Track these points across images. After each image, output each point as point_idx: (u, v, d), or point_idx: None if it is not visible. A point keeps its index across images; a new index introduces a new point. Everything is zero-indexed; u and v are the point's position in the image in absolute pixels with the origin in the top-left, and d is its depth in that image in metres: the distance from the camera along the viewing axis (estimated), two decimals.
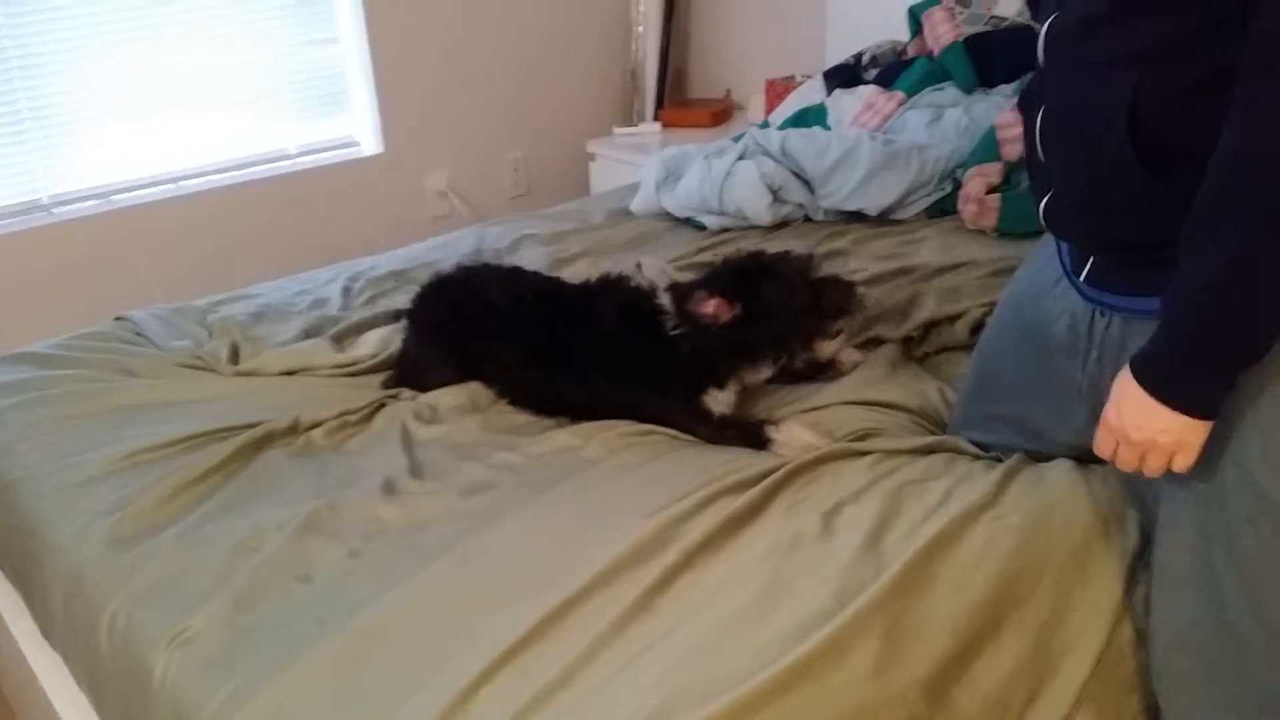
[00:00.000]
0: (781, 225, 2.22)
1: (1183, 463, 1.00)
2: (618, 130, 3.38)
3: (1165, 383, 0.99)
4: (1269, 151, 0.88)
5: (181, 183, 2.88)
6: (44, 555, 1.33)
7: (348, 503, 1.30)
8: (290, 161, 3.04)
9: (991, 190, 2.07)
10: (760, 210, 2.17)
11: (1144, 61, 0.97)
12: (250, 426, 1.47)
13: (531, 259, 2.08)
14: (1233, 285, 0.92)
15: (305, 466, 1.41)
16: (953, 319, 1.67)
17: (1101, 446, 1.07)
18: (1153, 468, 1.02)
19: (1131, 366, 1.01)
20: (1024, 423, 1.29)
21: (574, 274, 1.87)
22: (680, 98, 3.58)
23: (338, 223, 3.09)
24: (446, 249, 2.24)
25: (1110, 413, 1.04)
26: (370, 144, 3.15)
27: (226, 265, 2.86)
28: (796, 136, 2.31)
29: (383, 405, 1.56)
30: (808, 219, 2.23)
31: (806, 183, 2.22)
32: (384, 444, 1.45)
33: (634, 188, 2.48)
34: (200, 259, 2.87)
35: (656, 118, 3.40)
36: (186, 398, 1.62)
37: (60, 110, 2.65)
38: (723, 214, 2.21)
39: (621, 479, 1.29)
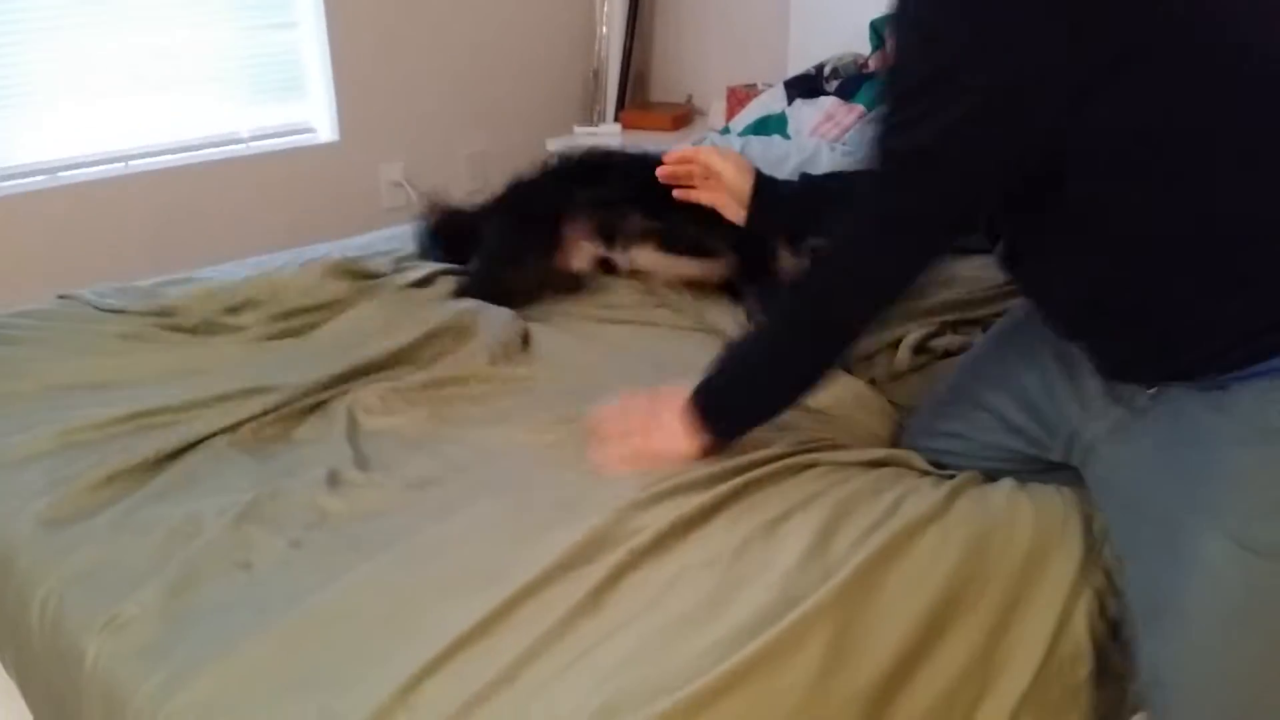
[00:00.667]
0: None
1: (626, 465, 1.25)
2: (578, 129, 3.37)
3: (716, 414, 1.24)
4: None
5: (131, 162, 2.83)
6: None
7: (290, 492, 1.27)
8: (243, 145, 3.00)
9: None
10: None
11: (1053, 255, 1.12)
12: (192, 406, 1.44)
13: None
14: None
15: (247, 454, 1.38)
16: (894, 345, 1.62)
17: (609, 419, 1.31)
18: (613, 458, 1.26)
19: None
20: (1019, 397, 1.30)
21: None
22: (641, 100, 3.58)
23: (290, 209, 3.05)
24: (402, 239, 2.21)
25: (644, 403, 1.28)
26: (326, 131, 3.12)
27: (175, 247, 2.82)
28: (756, 144, 2.32)
29: (327, 401, 1.53)
30: None
31: None
32: (329, 434, 1.43)
33: None
34: (148, 240, 2.82)
35: (617, 119, 3.40)
36: (126, 376, 1.58)
37: (11, 85, 2.59)
38: None
39: (571, 476, 1.28)
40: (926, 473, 1.31)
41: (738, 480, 1.22)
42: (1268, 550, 1.00)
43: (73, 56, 2.66)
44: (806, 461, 1.30)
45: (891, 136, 1.04)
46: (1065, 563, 1.16)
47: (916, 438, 1.39)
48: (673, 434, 1.25)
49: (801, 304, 1.18)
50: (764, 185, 1.51)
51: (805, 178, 1.62)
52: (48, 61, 2.63)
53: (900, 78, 1.04)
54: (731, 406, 1.26)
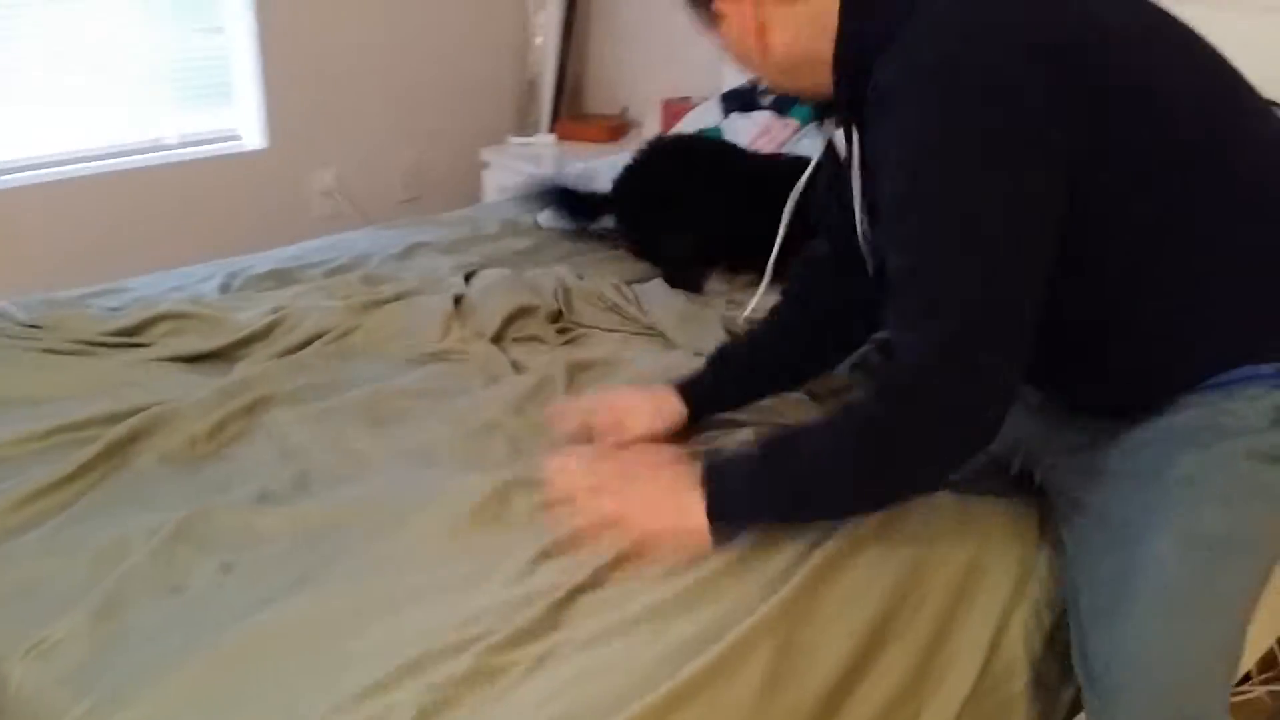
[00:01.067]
0: None
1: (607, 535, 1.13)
2: (513, 140, 3.35)
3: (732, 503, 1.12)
4: None
5: (54, 169, 2.75)
6: None
7: (222, 511, 1.24)
8: (171, 152, 2.93)
9: None
10: None
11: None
12: (118, 418, 1.40)
13: (430, 268, 2.04)
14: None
15: (177, 471, 1.35)
16: None
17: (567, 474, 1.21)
18: (590, 525, 1.14)
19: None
20: None
21: (484, 285, 1.88)
22: (576, 112, 3.57)
23: (218, 218, 2.99)
24: (335, 249, 2.18)
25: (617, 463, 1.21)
26: (254, 138, 3.06)
27: (100, 257, 2.74)
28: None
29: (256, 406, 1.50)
30: None
31: None
32: (264, 450, 1.40)
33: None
34: (73, 250, 2.74)
35: (552, 130, 3.39)
36: (50, 392, 1.53)
37: None
38: None
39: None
40: None
41: None
42: (1210, 540, 1.05)
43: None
44: None
45: (952, 290, 1.00)
46: (1002, 576, 1.19)
47: None
48: (682, 510, 1.13)
49: (883, 466, 1.08)
50: (699, 401, 1.38)
51: (720, 362, 1.43)
52: None
53: (931, 215, 1.01)
54: (757, 503, 1.14)
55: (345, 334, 1.72)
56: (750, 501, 1.13)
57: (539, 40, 3.40)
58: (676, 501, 1.13)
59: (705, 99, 2.86)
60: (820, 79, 1.12)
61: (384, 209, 3.25)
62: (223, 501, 1.26)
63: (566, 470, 1.24)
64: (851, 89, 1.07)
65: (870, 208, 1.16)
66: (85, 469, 1.31)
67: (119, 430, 1.38)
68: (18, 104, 2.66)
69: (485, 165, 3.27)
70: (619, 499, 1.16)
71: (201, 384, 1.55)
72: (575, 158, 2.99)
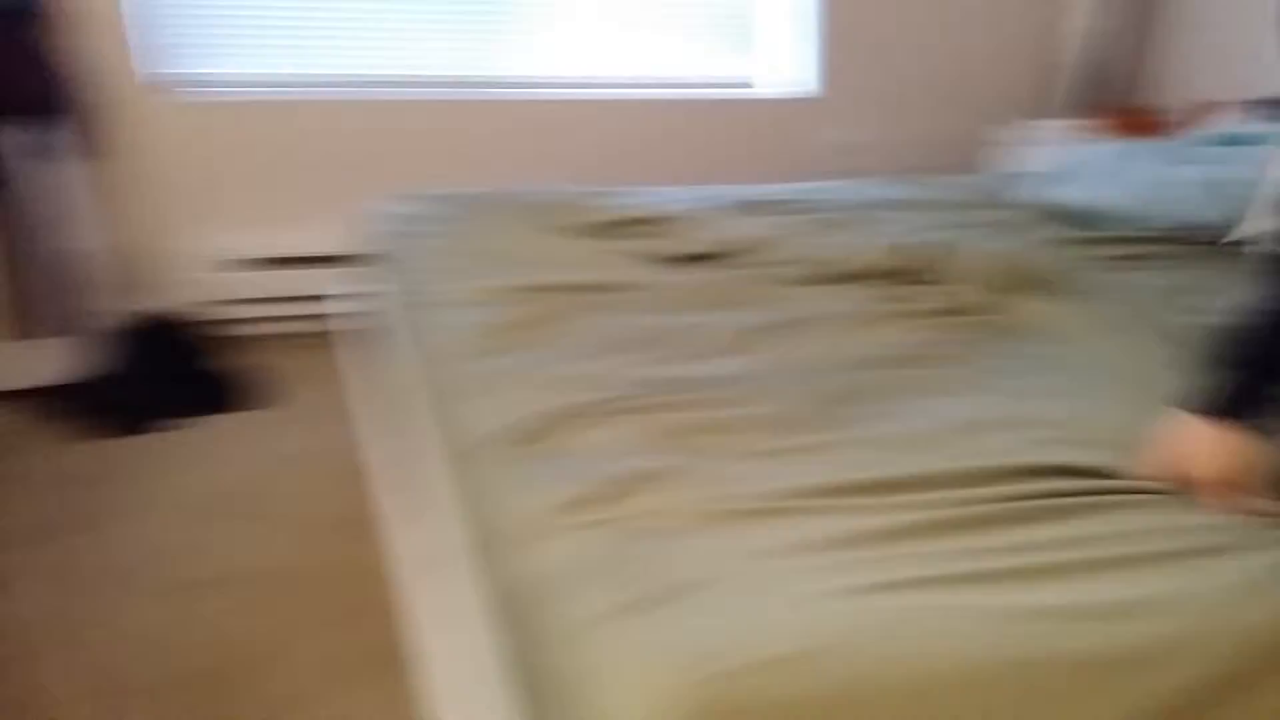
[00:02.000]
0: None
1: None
2: (1036, 123, 3.26)
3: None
4: None
5: (607, 89, 3.14)
6: None
7: None
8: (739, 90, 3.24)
9: None
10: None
11: None
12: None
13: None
14: None
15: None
16: None
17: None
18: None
19: None
20: None
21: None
22: (1120, 101, 3.39)
23: (737, 154, 3.24)
24: (820, 192, 2.30)
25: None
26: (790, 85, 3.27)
27: (632, 172, 3.11)
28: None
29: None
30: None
31: None
32: None
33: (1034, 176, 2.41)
34: (609, 160, 3.12)
35: (1079, 116, 3.25)
36: (533, 255, 1.82)
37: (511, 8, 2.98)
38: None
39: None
40: None
41: None
42: None
43: None
44: None
45: None
46: None
47: None
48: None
49: None
50: None
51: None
52: None
53: None
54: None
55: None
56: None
57: (1078, 24, 3.26)
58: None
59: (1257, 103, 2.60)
60: None
61: (895, 170, 3.33)
62: None
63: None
64: None
65: None
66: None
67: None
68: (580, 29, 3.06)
69: (995, 144, 3.21)
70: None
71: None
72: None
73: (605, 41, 3.11)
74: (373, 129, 2.89)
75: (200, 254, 2.76)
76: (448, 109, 2.94)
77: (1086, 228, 2.11)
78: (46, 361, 2.49)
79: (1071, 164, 2.32)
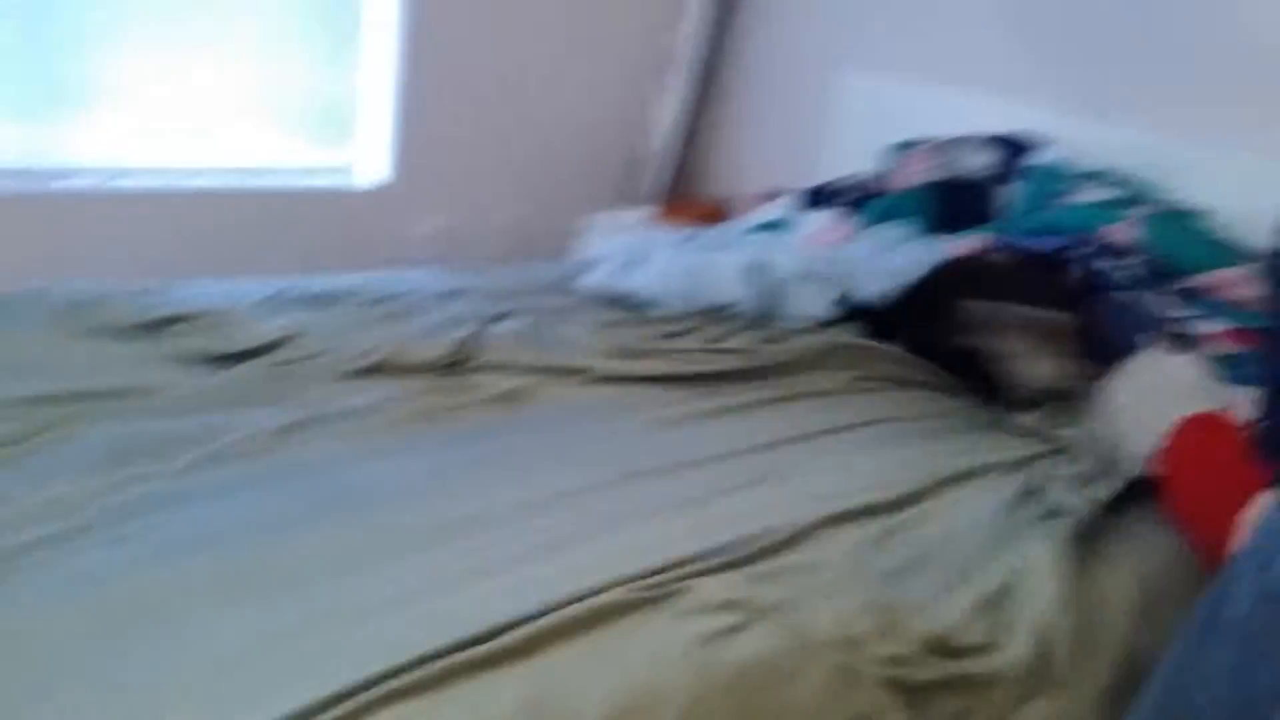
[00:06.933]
0: None
1: None
2: (615, 214, 3.44)
3: None
4: None
5: (173, 178, 3.00)
6: None
7: None
8: (283, 179, 3.16)
9: None
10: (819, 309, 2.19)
11: None
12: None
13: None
14: None
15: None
16: None
17: None
18: None
19: None
20: None
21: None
22: (681, 193, 3.66)
23: (319, 248, 3.17)
24: (393, 284, 2.29)
25: None
26: (368, 176, 3.26)
27: (198, 269, 2.96)
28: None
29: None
30: None
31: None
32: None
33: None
34: (180, 258, 2.96)
35: (656, 206, 3.47)
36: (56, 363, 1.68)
37: (75, 88, 2.79)
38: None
39: None
40: None
41: None
42: None
43: (137, 68, 2.86)
44: None
45: None
46: None
47: None
48: None
49: None
50: None
51: None
52: (113, 69, 2.82)
53: None
54: None
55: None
56: None
57: (657, 119, 3.50)
58: None
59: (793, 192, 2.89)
60: None
61: (483, 259, 3.37)
62: None
63: None
64: None
65: None
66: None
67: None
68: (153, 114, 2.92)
69: (579, 233, 3.36)
70: None
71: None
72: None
73: (195, 128, 2.98)
74: None
75: None
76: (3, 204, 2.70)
77: (634, 311, 2.24)
78: None
79: (631, 252, 2.46)
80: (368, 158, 3.26)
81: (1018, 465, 1.68)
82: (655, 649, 1.11)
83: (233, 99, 3.01)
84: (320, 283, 2.26)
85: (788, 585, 1.26)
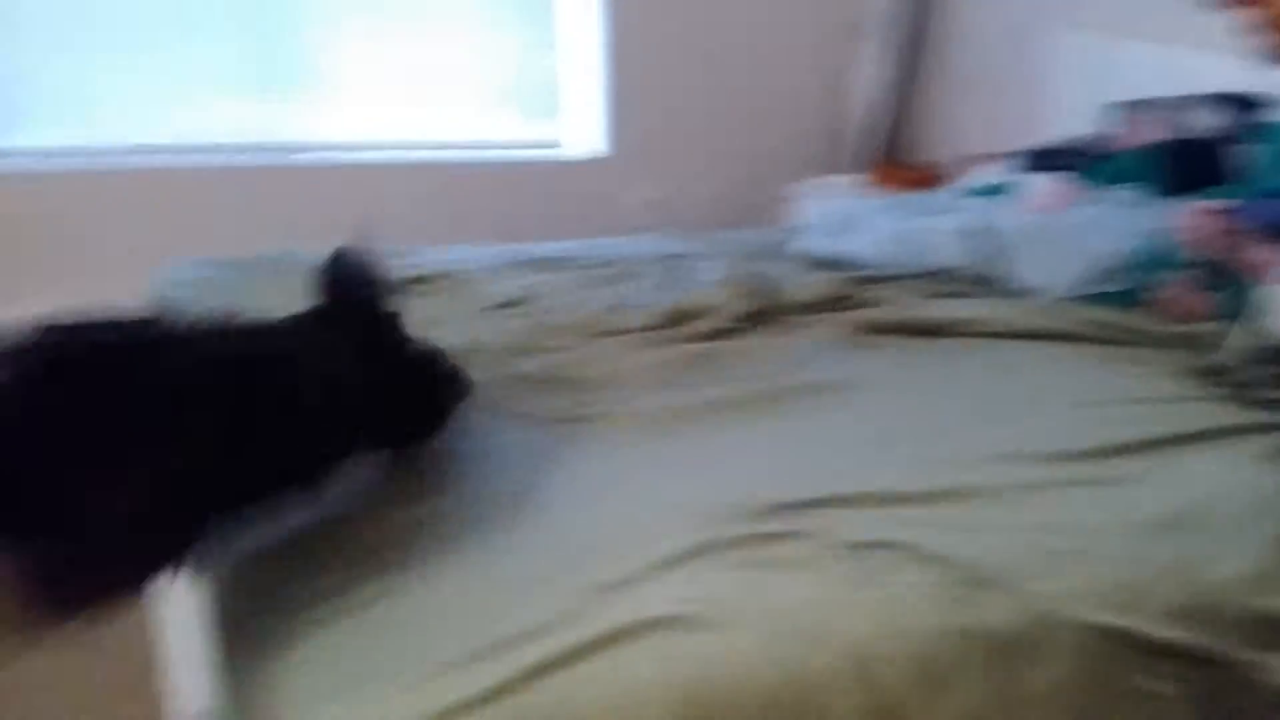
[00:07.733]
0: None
1: None
2: (826, 180, 3.44)
3: None
4: None
5: (399, 152, 3.18)
6: None
7: None
8: (499, 152, 3.30)
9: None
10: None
11: None
12: None
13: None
14: None
15: None
16: None
17: None
18: None
19: None
20: None
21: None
22: (892, 158, 3.60)
23: (534, 216, 3.31)
24: (609, 249, 2.38)
25: None
26: (583, 148, 3.36)
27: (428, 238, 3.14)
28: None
29: None
30: None
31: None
32: None
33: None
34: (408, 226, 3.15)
35: (866, 172, 3.44)
36: None
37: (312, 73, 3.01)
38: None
39: None
40: None
41: None
42: None
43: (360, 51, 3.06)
44: None
45: None
46: None
47: None
48: None
49: None
50: None
51: None
52: (338, 53, 3.03)
53: None
54: None
55: None
56: None
57: (859, 85, 3.46)
58: None
59: (1013, 155, 2.80)
60: None
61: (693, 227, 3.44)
62: None
63: None
64: None
65: None
66: None
67: None
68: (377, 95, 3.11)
69: (789, 200, 3.37)
70: None
71: None
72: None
73: (410, 106, 3.15)
74: (165, 198, 2.85)
75: None
76: (244, 175, 2.93)
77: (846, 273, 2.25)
78: None
79: (842, 217, 2.46)
80: (577, 131, 3.36)
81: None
82: None
83: (449, 78, 3.16)
84: (544, 248, 2.37)
85: None
